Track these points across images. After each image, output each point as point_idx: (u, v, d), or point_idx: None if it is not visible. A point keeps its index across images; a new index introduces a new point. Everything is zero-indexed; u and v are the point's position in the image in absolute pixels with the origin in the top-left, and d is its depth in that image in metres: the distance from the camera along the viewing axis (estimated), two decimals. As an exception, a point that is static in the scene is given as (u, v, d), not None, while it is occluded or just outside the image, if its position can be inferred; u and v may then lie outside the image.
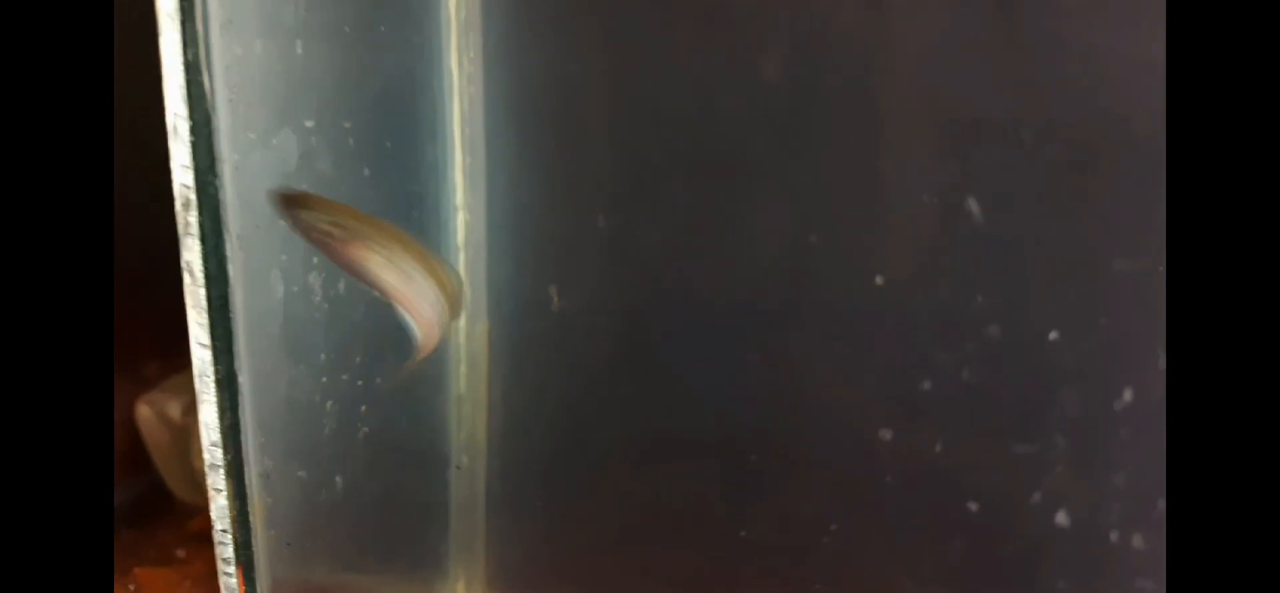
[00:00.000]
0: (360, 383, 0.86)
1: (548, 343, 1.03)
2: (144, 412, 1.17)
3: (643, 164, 1.00)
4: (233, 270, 0.71)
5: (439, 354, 1.02)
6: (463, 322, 1.03)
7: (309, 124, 0.80)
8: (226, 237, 0.71)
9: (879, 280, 0.73)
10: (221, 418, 0.72)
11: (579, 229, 1.02)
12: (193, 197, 0.69)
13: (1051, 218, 0.65)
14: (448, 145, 1.00)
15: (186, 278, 0.70)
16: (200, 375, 0.71)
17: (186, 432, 1.16)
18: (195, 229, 0.69)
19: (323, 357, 0.83)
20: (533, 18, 0.98)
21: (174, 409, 1.17)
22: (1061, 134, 0.63)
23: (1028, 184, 0.65)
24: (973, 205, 0.66)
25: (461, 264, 1.03)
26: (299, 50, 0.78)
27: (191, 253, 0.70)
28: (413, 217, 0.99)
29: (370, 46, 0.88)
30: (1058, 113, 0.64)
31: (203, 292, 0.70)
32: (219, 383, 0.72)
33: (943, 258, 0.70)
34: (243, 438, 0.73)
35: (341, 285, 0.85)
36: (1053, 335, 0.67)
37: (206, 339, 0.71)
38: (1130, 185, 0.63)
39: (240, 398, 0.73)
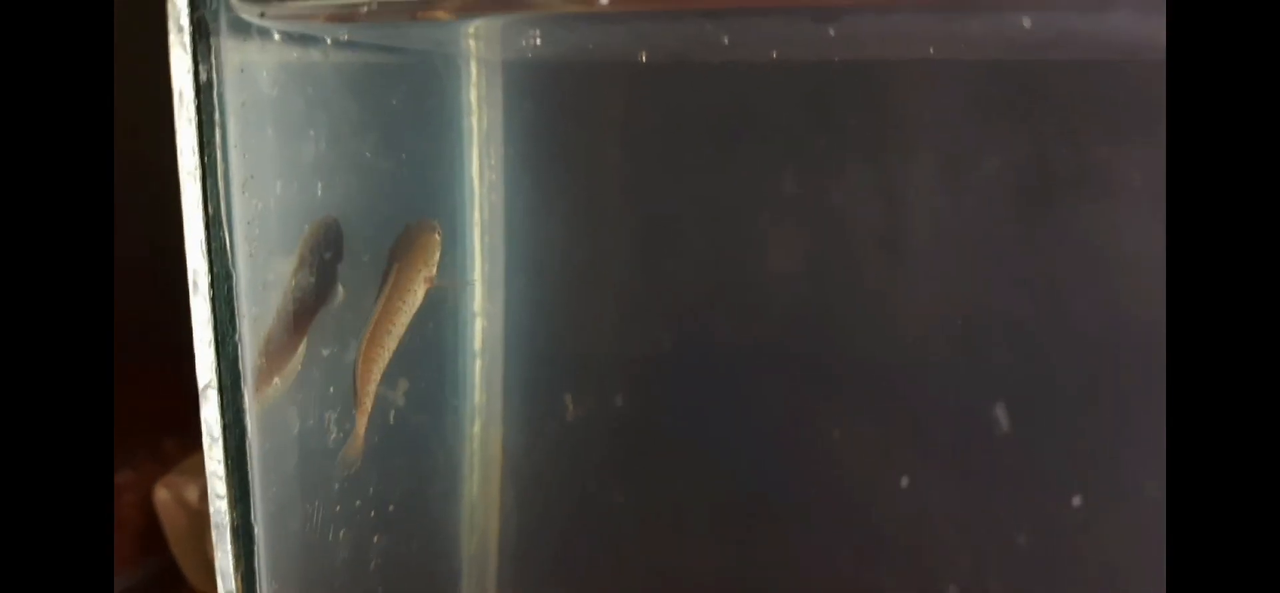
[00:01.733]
0: (372, 513, 0.86)
1: (561, 450, 1.03)
2: (162, 496, 1.18)
3: (662, 273, 1.00)
4: (250, 422, 0.71)
5: (452, 462, 1.02)
6: (476, 428, 1.03)
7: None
8: (243, 388, 0.71)
9: (904, 483, 0.73)
10: (237, 566, 0.72)
11: (596, 338, 1.02)
12: (211, 353, 0.69)
13: (1074, 427, 0.65)
14: (467, 253, 1.00)
15: (205, 432, 0.70)
16: (216, 524, 0.72)
17: (203, 517, 1.16)
18: (213, 381, 0.70)
19: (336, 486, 0.83)
20: (554, 129, 0.98)
21: (192, 493, 1.18)
22: (1080, 340, 0.63)
23: (1048, 391, 0.64)
24: (1000, 413, 0.66)
25: (477, 370, 1.03)
26: (319, 191, 0.78)
27: (210, 406, 0.70)
28: (428, 325, 0.99)
29: (391, 170, 0.88)
30: (1076, 319, 0.63)
31: (220, 446, 0.70)
32: (234, 532, 0.72)
33: (968, 463, 0.69)
34: (257, 585, 0.74)
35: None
36: (1080, 546, 0.67)
37: (223, 490, 0.71)
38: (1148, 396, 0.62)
39: (255, 546, 0.73)
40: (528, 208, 1.01)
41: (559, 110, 0.98)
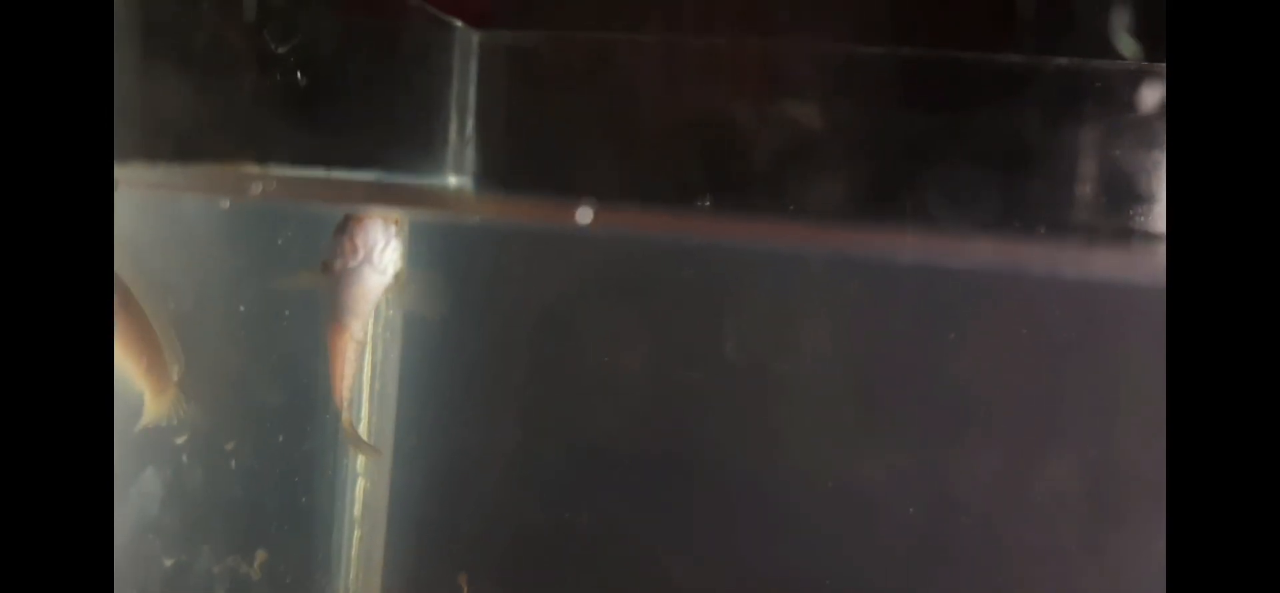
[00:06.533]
0: None
1: (450, 641, 0.89)
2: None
3: (578, 437, 0.88)
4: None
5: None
6: (350, 611, 0.88)
7: (179, 441, 0.65)
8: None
9: None
10: None
11: (499, 509, 0.89)
12: None
13: None
14: (354, 406, 0.85)
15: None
16: None
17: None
18: None
19: None
20: (455, 273, 0.85)
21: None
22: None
23: None
24: None
25: (355, 541, 0.88)
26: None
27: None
28: (296, 483, 0.84)
29: (271, 323, 0.73)
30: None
31: None
32: None
33: None
34: None
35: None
36: None
37: None
38: None
39: None
40: (424, 358, 0.88)
41: (463, 257, 0.85)
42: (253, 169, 0.62)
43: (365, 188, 0.60)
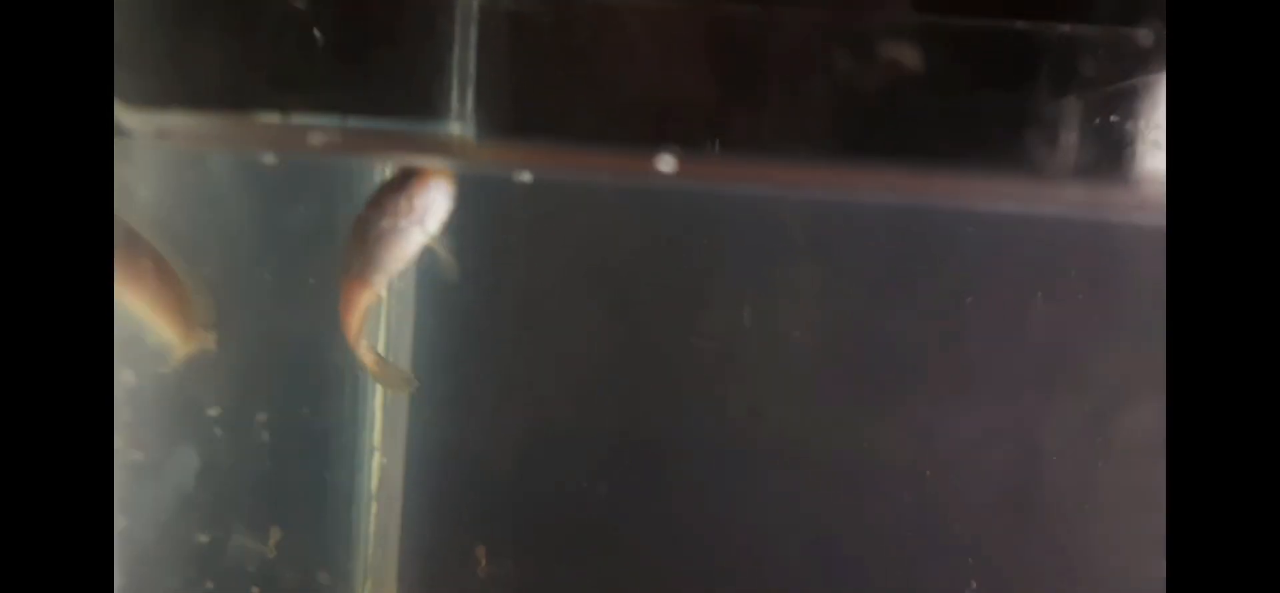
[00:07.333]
0: None
1: (469, 614, 0.88)
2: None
3: (596, 408, 0.87)
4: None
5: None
6: (367, 589, 0.86)
7: (212, 413, 0.63)
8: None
9: None
10: None
11: (517, 481, 0.88)
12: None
13: None
14: (368, 379, 0.84)
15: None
16: None
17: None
18: None
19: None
20: (476, 243, 0.84)
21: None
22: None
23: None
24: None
25: (372, 516, 0.86)
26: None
27: None
28: (316, 457, 0.82)
29: (295, 290, 0.71)
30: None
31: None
32: None
33: None
34: None
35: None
36: None
37: None
38: None
39: None
40: (439, 328, 0.86)
41: (482, 223, 0.83)
42: (275, 119, 0.60)
43: (431, 140, 0.58)
